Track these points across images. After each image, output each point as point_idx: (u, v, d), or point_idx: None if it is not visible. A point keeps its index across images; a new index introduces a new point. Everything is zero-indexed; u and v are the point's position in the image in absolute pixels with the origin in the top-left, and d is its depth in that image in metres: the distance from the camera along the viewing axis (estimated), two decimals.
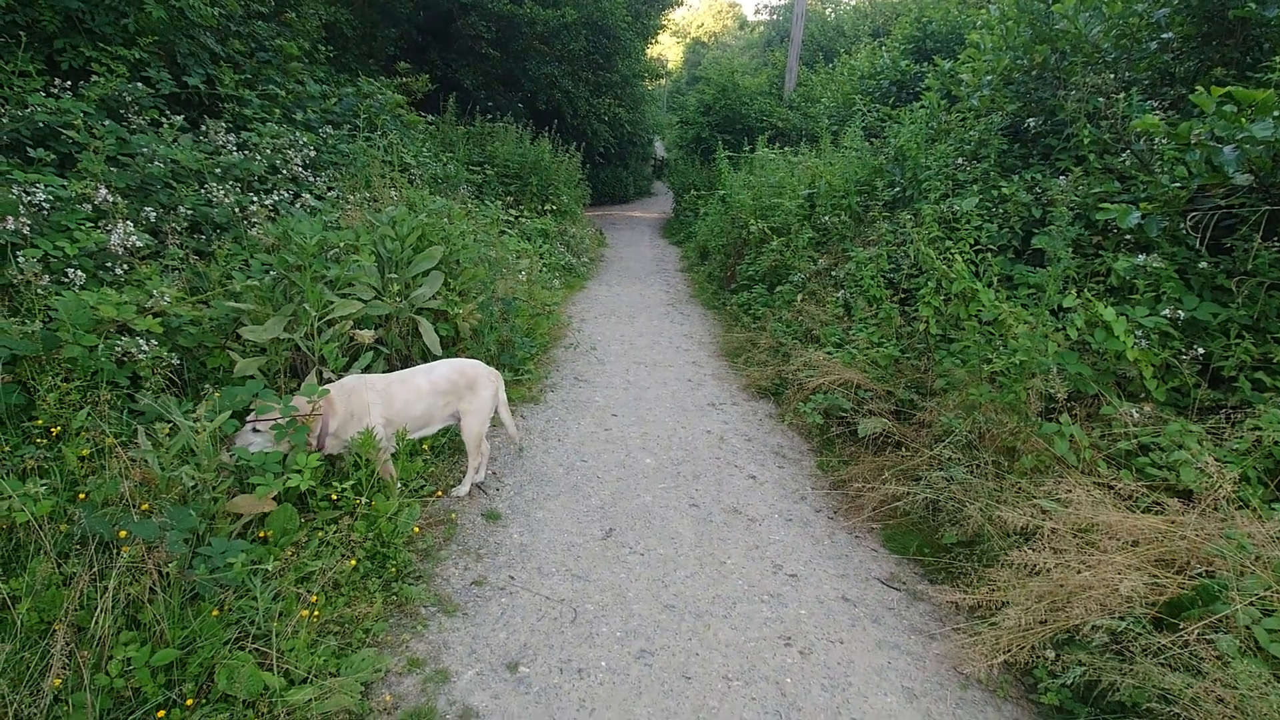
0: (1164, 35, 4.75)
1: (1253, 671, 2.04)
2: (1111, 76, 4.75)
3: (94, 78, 5.13)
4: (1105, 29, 4.84)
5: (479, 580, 3.24)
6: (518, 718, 2.48)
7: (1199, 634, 2.25)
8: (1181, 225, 3.69)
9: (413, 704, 2.49)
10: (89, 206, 3.91)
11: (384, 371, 4.19)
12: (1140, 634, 2.34)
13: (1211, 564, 2.44)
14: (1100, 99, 4.65)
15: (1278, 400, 3.02)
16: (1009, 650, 2.60)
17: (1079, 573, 2.57)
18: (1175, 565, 2.53)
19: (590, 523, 3.80)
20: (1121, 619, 2.39)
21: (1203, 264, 3.51)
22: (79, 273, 3.46)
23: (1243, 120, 3.32)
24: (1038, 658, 2.58)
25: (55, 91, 4.72)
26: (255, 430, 3.05)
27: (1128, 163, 4.23)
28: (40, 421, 2.95)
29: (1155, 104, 4.59)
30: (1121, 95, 4.39)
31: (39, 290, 3.28)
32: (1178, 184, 3.68)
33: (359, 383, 3.51)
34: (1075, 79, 4.96)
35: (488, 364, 4.10)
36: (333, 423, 3.30)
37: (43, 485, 2.55)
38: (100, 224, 3.89)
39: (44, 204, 3.65)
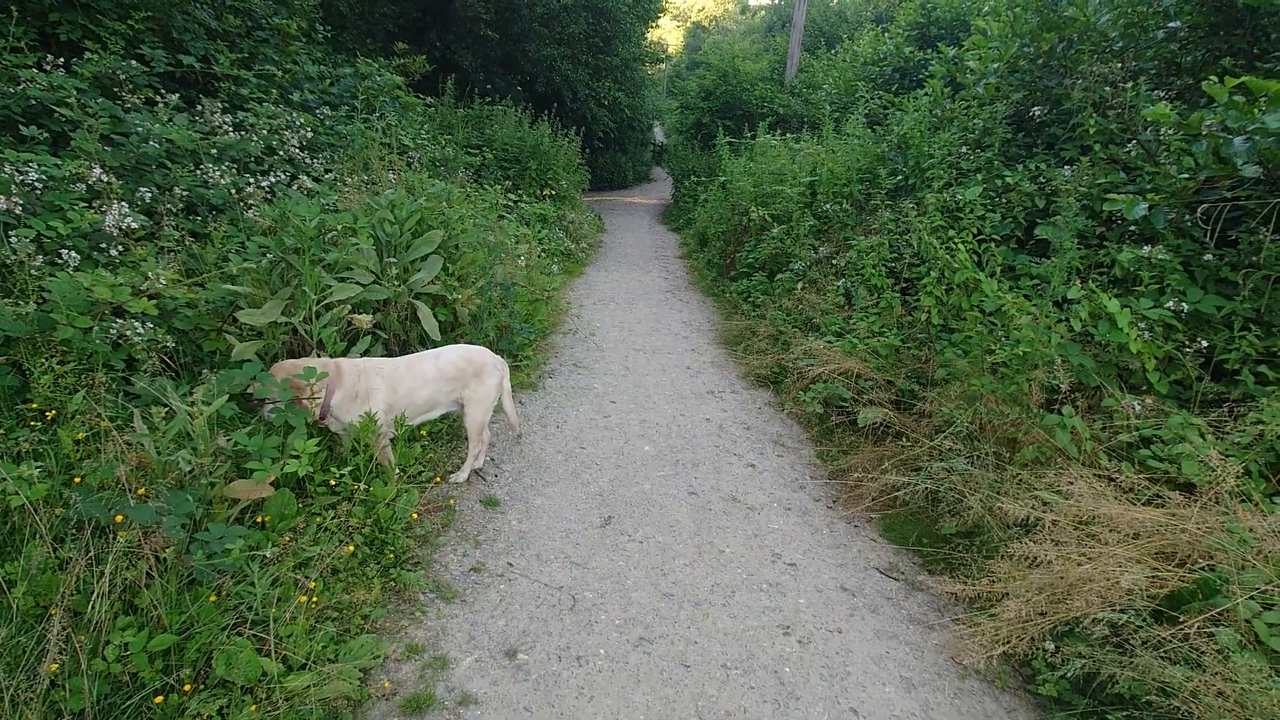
0: (1171, 24, 4.69)
1: (1253, 665, 2.05)
2: (1119, 65, 4.70)
3: (87, 55, 5.03)
4: (1114, 17, 4.78)
5: (477, 567, 3.24)
6: (516, 705, 2.48)
7: (1199, 627, 2.25)
8: (1187, 217, 3.66)
9: (411, 690, 2.49)
10: (83, 186, 3.84)
11: (382, 357, 4.16)
12: (1140, 627, 2.34)
13: (1213, 557, 2.43)
14: (1107, 88, 4.60)
15: None
16: (1008, 641, 2.61)
17: (1079, 565, 2.57)
18: (1176, 558, 2.53)
19: (589, 510, 3.79)
20: (1122, 612, 2.40)
21: (1208, 256, 3.49)
22: (73, 253, 3.41)
23: (1255, 111, 3.28)
24: (1037, 649, 2.59)
25: (48, 68, 4.64)
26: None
27: (1133, 153, 4.19)
28: (35, 404, 2.92)
29: (1162, 94, 4.54)
30: (1129, 84, 4.34)
31: (33, 271, 3.23)
32: (1185, 175, 3.65)
33: (369, 365, 3.51)
34: (1082, 67, 4.91)
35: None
36: (337, 394, 3.30)
37: (38, 468, 2.52)
38: (94, 204, 3.83)
39: (37, 183, 3.59)
